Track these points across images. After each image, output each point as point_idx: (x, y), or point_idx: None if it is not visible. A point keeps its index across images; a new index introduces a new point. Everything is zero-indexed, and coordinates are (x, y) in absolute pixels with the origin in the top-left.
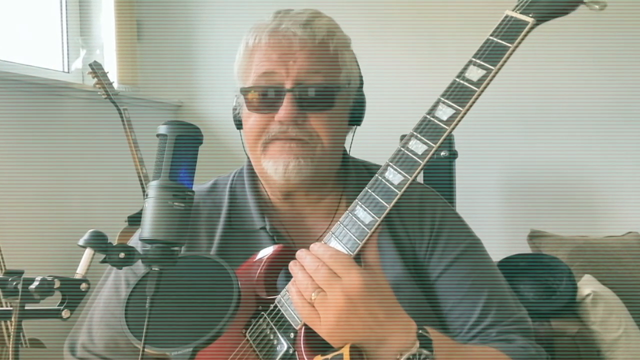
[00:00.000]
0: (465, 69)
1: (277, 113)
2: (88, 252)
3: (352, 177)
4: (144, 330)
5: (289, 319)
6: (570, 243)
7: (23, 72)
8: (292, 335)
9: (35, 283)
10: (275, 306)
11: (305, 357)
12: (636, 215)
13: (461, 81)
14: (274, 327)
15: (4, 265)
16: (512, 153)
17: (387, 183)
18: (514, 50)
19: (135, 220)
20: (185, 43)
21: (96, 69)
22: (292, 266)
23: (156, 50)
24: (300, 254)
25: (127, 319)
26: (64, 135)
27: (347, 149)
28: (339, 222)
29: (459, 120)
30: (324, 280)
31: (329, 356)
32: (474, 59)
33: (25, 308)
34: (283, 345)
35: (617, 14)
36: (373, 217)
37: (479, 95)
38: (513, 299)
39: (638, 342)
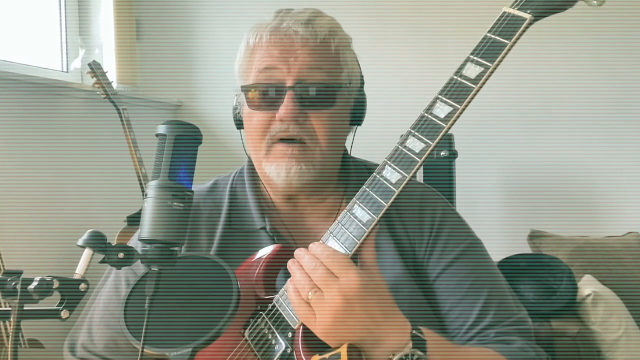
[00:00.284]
0: (463, 66)
1: (278, 111)
2: (87, 252)
3: (353, 177)
4: (144, 331)
5: (287, 318)
6: (570, 243)
7: (22, 72)
8: (290, 335)
9: (35, 283)
10: (274, 306)
11: (303, 357)
12: (637, 215)
13: (459, 79)
14: (272, 326)
15: (3, 266)
16: (513, 153)
17: (385, 182)
18: (511, 47)
19: (134, 220)
20: (185, 43)
21: (95, 69)
22: (291, 265)
23: (155, 50)
24: (299, 253)
25: (126, 319)
26: (63, 135)
27: (348, 149)
28: (337, 222)
29: (457, 118)
30: (321, 279)
31: (327, 356)
32: (471, 56)
33: (25, 308)
34: (281, 345)
35: (618, 13)
36: (371, 216)
37: (477, 92)
38: (513, 300)
39: (638, 342)
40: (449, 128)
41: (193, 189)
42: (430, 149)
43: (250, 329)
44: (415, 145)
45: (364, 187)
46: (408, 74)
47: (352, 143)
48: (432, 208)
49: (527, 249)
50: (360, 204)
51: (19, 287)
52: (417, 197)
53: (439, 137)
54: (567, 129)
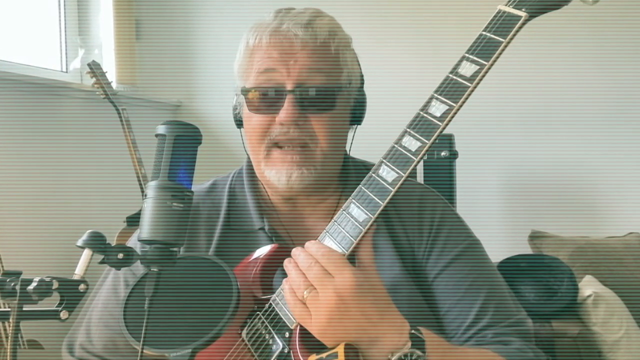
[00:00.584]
0: (458, 64)
1: (278, 114)
2: (86, 252)
3: (353, 177)
4: (143, 331)
5: (283, 318)
6: (571, 244)
7: (21, 71)
8: (287, 334)
9: (34, 284)
10: (271, 305)
11: (300, 356)
12: (637, 215)
13: (454, 77)
14: (269, 326)
15: (2, 266)
16: (513, 153)
17: (380, 180)
18: (507, 45)
19: (134, 220)
20: (184, 43)
21: (95, 69)
22: (287, 264)
23: (155, 50)
24: (295, 251)
25: (125, 320)
26: (62, 135)
27: (347, 149)
28: (333, 220)
29: (452, 116)
30: (316, 278)
31: (324, 355)
32: (467, 55)
33: (24, 309)
34: (278, 345)
35: (618, 13)
36: (367, 215)
37: (472, 90)
38: (512, 301)
39: (639, 343)
40: (445, 127)
41: (192, 189)
42: (426, 147)
43: (247, 329)
44: (411, 143)
45: (360, 185)
46: (408, 74)
47: (352, 142)
48: (431, 208)
49: (527, 249)
50: (356, 203)
51: (18, 287)
52: (416, 198)
53: (435, 136)
54: (567, 129)
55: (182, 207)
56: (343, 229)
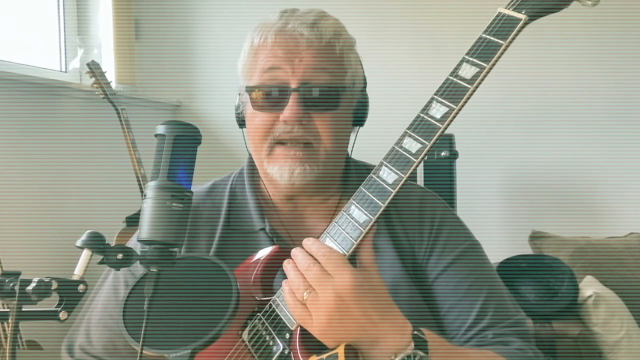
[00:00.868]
0: (458, 66)
1: (282, 112)
2: (86, 253)
3: (354, 178)
4: (142, 332)
5: (284, 319)
6: (571, 244)
7: (20, 71)
8: (287, 335)
9: (33, 284)
10: (271, 306)
11: (300, 357)
12: (638, 215)
13: (454, 79)
14: (269, 327)
15: (1, 267)
16: (513, 153)
17: (381, 182)
18: (507, 47)
19: (133, 221)
20: (184, 42)
21: (94, 69)
22: (286, 265)
23: (154, 50)
24: (294, 252)
25: (125, 320)
26: (61, 135)
27: (349, 150)
28: (334, 222)
29: (453, 118)
30: (315, 279)
31: (324, 356)
32: (467, 57)
33: (23, 309)
34: (279, 346)
35: (618, 13)
36: (367, 216)
37: (473, 92)
38: (511, 302)
39: None
40: (445, 128)
41: (192, 190)
42: (426, 149)
43: (247, 330)
44: (412, 145)
45: (361, 187)
46: (407, 74)
47: (354, 144)
48: (431, 210)
49: (528, 250)
50: (357, 204)
51: (17, 288)
52: (417, 200)
53: (435, 138)
54: (568, 129)
55: (182, 207)
56: (344, 230)
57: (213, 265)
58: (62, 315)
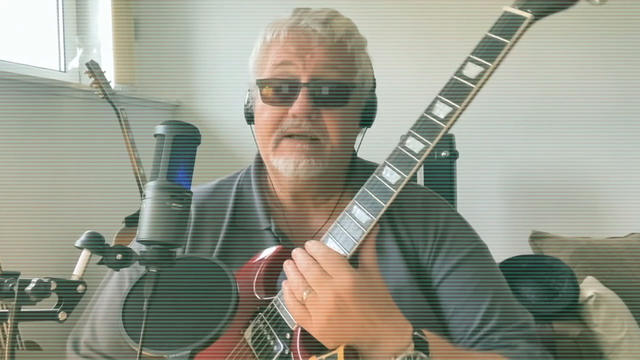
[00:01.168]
0: (463, 66)
1: (291, 107)
2: (85, 253)
3: (358, 177)
4: (142, 333)
5: (285, 319)
6: (572, 244)
7: (19, 71)
8: (288, 335)
9: (32, 285)
10: (272, 306)
11: (300, 357)
12: (639, 216)
13: (458, 78)
14: (270, 327)
15: (0, 267)
16: (514, 153)
17: (384, 182)
18: (512, 47)
19: (132, 221)
20: (183, 42)
21: (93, 69)
22: (286, 265)
23: (154, 50)
24: (295, 252)
25: (124, 321)
26: (60, 135)
27: (356, 150)
28: (336, 222)
29: (457, 118)
30: (314, 279)
31: (324, 357)
32: (471, 56)
33: (22, 310)
34: (279, 346)
35: (619, 13)
36: (370, 216)
37: (477, 92)
38: (517, 304)
39: None
40: (449, 128)
41: (196, 188)
42: (429, 149)
43: (249, 330)
44: (415, 145)
45: (363, 187)
46: (408, 74)
47: (360, 144)
48: (435, 212)
49: (528, 250)
50: (359, 204)
51: (16, 288)
52: (420, 201)
53: (438, 137)
54: (568, 129)
55: (181, 207)
56: (345, 230)
57: (213, 265)
58: (61, 315)
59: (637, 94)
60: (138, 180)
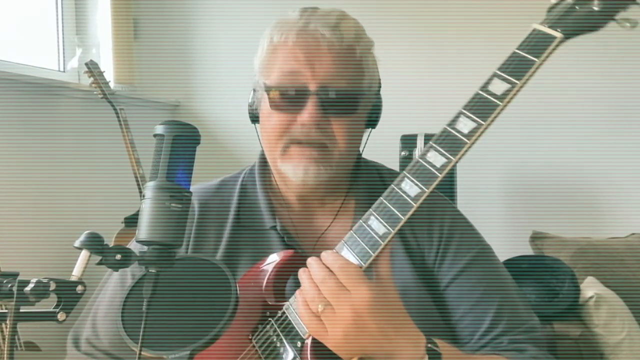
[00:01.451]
0: (489, 81)
1: (299, 114)
2: (84, 253)
3: (363, 178)
4: (141, 333)
5: (296, 327)
6: (572, 244)
7: (18, 71)
8: (299, 344)
9: (31, 285)
10: (283, 313)
11: None
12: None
13: (484, 94)
14: (280, 334)
15: None
16: (514, 154)
17: (403, 194)
18: (540, 65)
19: (132, 221)
20: (183, 42)
21: (92, 68)
22: (301, 274)
23: (153, 49)
24: (310, 261)
25: (123, 321)
26: (59, 135)
27: (361, 149)
28: (351, 232)
29: (481, 134)
30: (331, 293)
31: None
32: (498, 72)
33: (21, 310)
34: (289, 354)
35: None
36: (387, 228)
37: (502, 109)
38: (524, 307)
39: None
40: (472, 144)
41: (199, 186)
42: (452, 164)
43: (257, 335)
44: (436, 159)
45: (381, 198)
46: (407, 74)
47: (365, 144)
48: (440, 214)
49: (528, 250)
50: (377, 216)
51: (15, 288)
52: (426, 203)
53: (461, 153)
54: (569, 129)
55: (181, 207)
56: (361, 241)
57: (212, 266)
58: (60, 316)
59: (638, 94)
60: (137, 181)
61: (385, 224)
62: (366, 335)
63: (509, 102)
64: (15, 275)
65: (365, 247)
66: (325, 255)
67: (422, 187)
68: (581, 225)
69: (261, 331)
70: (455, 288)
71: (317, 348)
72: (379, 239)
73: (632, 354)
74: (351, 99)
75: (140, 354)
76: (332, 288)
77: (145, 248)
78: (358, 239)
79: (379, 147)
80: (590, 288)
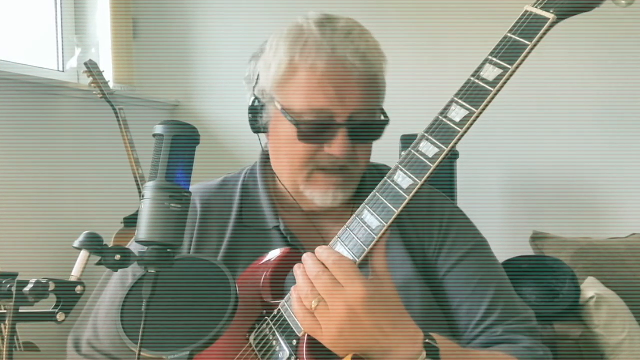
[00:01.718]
0: (481, 67)
1: (328, 144)
2: (83, 254)
3: (369, 180)
4: (140, 334)
5: (292, 325)
6: (573, 245)
7: (17, 71)
8: (294, 342)
9: (30, 285)
10: (279, 311)
11: None
12: None
13: (476, 80)
14: (277, 332)
15: None
16: (514, 154)
17: (395, 187)
18: (532, 49)
19: (131, 221)
20: (182, 42)
21: (91, 68)
22: (296, 269)
23: (152, 49)
24: (305, 257)
25: (123, 322)
26: (58, 135)
27: None
28: (345, 226)
29: (473, 122)
30: (325, 288)
31: None
32: (490, 57)
33: (20, 311)
34: (285, 352)
35: (620, 13)
36: (380, 222)
37: (495, 95)
38: (519, 299)
39: None
40: (464, 132)
41: (200, 185)
42: (444, 154)
43: (255, 334)
44: (429, 149)
45: (374, 191)
46: (407, 74)
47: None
48: (440, 207)
49: (529, 251)
50: (370, 209)
51: (14, 289)
52: (425, 198)
53: (454, 142)
54: (569, 129)
55: (180, 207)
56: (355, 235)
57: (212, 266)
58: (60, 316)
59: (638, 94)
60: (137, 181)
61: (379, 218)
62: (361, 331)
63: (502, 88)
64: (15, 275)
65: (359, 241)
66: (320, 250)
67: (415, 178)
68: (582, 226)
69: (258, 330)
70: (451, 278)
71: (313, 346)
72: (372, 233)
73: (633, 354)
74: (378, 128)
75: (139, 354)
76: (326, 283)
77: (144, 248)
78: (352, 233)
79: (379, 147)
80: (590, 288)
